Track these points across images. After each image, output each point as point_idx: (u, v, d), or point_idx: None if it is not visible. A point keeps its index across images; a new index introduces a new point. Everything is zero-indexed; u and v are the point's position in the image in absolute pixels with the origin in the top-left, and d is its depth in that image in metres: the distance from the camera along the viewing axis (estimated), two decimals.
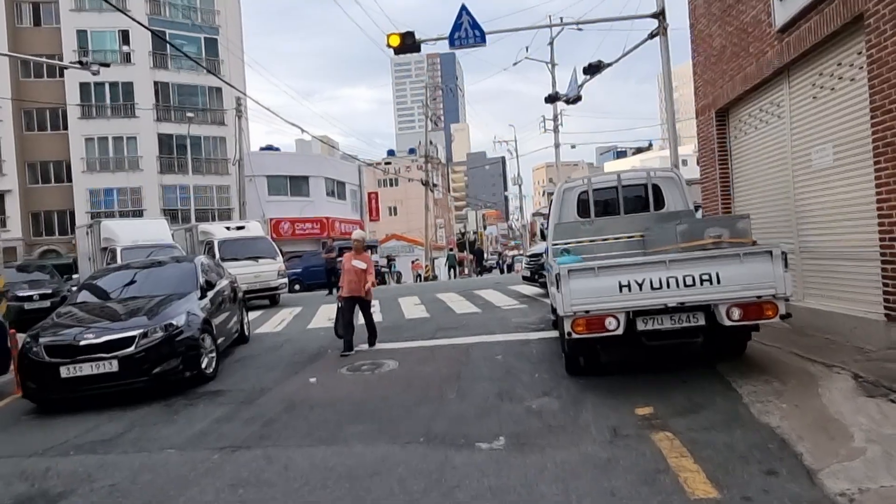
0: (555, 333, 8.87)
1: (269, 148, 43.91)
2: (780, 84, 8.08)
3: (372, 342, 9.61)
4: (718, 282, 5.34)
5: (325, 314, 14.40)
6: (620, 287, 5.44)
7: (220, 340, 8.76)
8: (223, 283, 9.97)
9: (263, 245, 17.63)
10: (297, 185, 39.35)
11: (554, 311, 9.14)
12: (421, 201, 45.79)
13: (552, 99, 25.00)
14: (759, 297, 5.31)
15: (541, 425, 5.24)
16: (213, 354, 8.11)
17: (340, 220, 41.54)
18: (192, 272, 8.91)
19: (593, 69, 20.89)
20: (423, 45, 15.39)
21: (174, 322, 7.48)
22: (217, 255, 16.87)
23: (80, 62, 19.51)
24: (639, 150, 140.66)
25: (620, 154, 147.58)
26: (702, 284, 5.36)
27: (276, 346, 10.33)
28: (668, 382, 5.97)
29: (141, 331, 7.17)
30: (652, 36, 16.97)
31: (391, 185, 75.96)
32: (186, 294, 8.34)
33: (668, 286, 5.39)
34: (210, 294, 8.84)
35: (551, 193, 10.46)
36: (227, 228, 18.05)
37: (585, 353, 6.33)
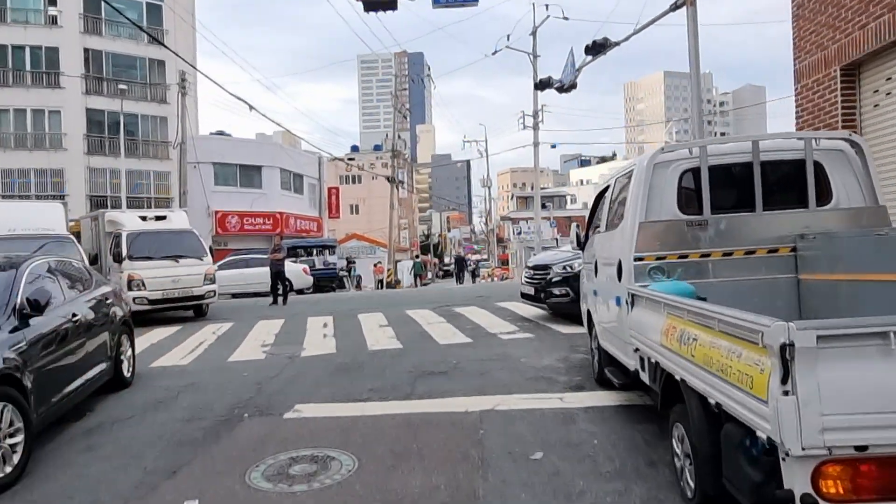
0: (609, 398, 5.58)
1: (221, 134, 39.70)
2: None
3: None
4: None
5: (261, 336, 10.79)
6: None
7: (53, 401, 5.14)
8: (81, 301, 6.29)
9: (188, 241, 13.85)
10: (249, 175, 35.27)
11: (603, 356, 5.80)
12: (385, 200, 42.18)
13: (543, 85, 21.76)
14: None
15: None
16: (19, 439, 4.46)
17: (296, 216, 37.60)
18: (5, 287, 5.21)
19: (598, 48, 17.69)
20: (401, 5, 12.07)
21: None
22: (125, 252, 13.05)
23: None
24: (603, 160, 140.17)
25: (585, 162, 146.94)
26: None
27: (168, 399, 6.69)
28: None
29: None
30: (675, 7, 14.03)
31: (354, 181, 72.19)
32: None
33: None
34: (38, 321, 5.18)
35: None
36: (143, 218, 14.20)
37: None
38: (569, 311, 10.18)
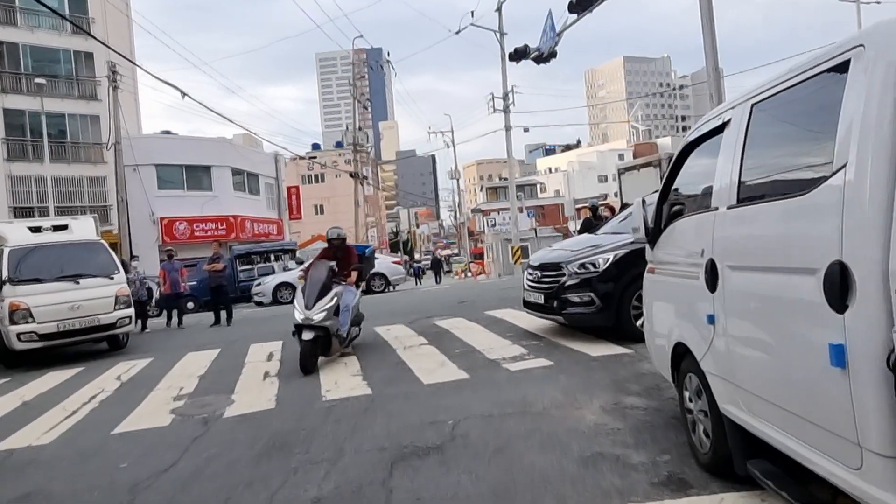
0: None
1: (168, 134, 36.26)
2: None
3: None
4: None
5: (179, 380, 7.97)
6: None
7: None
8: None
9: (94, 255, 10.92)
10: (196, 176, 31.95)
11: (735, 434, 3.17)
12: (350, 199, 39.26)
13: (518, 55, 19.14)
14: None
15: None
16: None
17: (252, 219, 34.41)
18: None
19: (585, 4, 15.17)
20: None
21: None
22: (4, 274, 10.05)
23: None
24: (568, 147, 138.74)
25: (549, 151, 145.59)
26: None
27: None
28: None
29: None
30: None
31: (317, 181, 69.11)
32: None
33: None
34: None
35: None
36: (35, 230, 11.17)
37: None
38: (592, 322, 7.59)
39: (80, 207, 28.14)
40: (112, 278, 10.72)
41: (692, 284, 3.52)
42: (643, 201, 4.31)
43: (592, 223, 11.44)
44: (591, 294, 7.40)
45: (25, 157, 27.36)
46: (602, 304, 7.34)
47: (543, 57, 18.18)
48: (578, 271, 7.57)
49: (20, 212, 26.12)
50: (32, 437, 6.04)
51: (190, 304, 21.30)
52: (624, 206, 12.04)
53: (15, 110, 27.22)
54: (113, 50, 23.15)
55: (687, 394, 3.85)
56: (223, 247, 29.78)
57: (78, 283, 10.30)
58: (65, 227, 11.46)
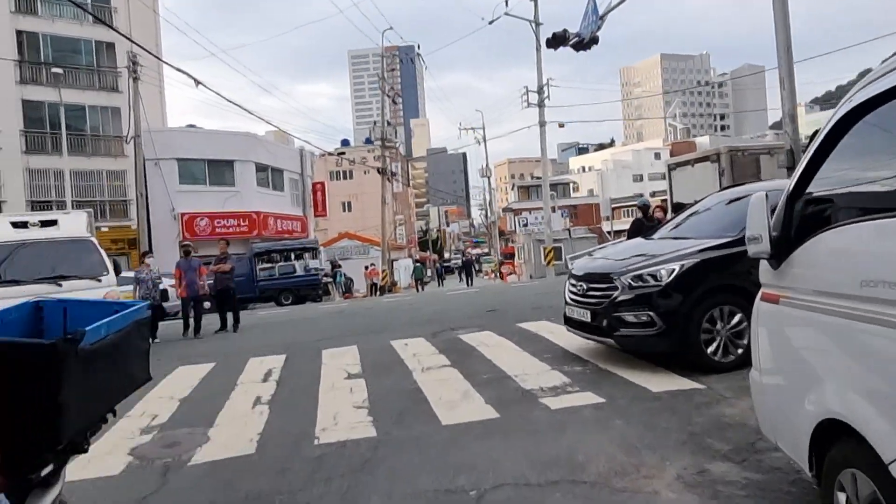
0: None
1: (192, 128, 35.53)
2: None
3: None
4: None
5: (155, 405, 6.75)
6: None
7: None
8: None
9: (81, 255, 9.80)
10: (219, 171, 31.08)
11: None
12: (379, 196, 38.09)
13: (557, 41, 17.64)
14: None
15: None
16: None
17: (276, 216, 33.46)
18: None
19: None
20: None
21: None
22: None
23: None
24: (601, 146, 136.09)
25: (582, 150, 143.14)
26: None
27: None
28: None
29: None
30: None
31: (345, 177, 68.19)
32: None
33: None
34: None
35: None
36: (20, 225, 10.09)
37: None
38: (651, 348, 6.18)
39: (98, 202, 27.52)
40: (100, 280, 9.59)
41: (873, 333, 2.10)
42: (765, 196, 2.88)
43: (644, 225, 9.95)
44: (651, 313, 5.97)
45: (44, 150, 26.77)
46: (664, 326, 5.91)
47: (584, 43, 16.68)
48: (634, 284, 6.14)
49: (38, 205, 25.50)
50: None
51: (206, 304, 20.32)
52: (681, 206, 10.54)
53: (34, 102, 26.64)
54: (130, 40, 22.28)
55: (842, 498, 2.44)
56: (245, 244, 28.91)
57: (60, 285, 9.18)
58: (53, 223, 10.37)
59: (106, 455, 5.23)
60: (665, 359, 6.31)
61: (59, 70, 24.75)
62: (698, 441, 4.34)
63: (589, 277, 6.76)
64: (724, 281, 6.03)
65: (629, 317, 6.11)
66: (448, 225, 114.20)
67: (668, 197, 13.30)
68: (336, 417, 5.70)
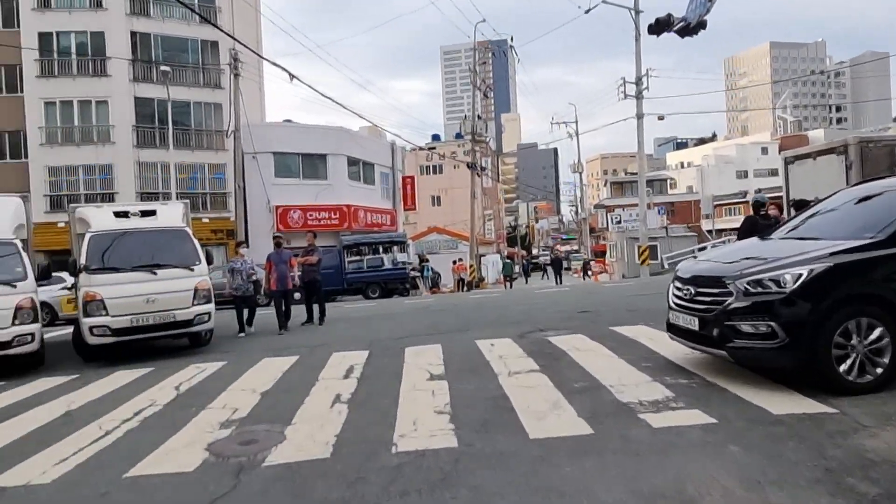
0: None
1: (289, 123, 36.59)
2: None
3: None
4: None
5: (236, 398, 6.68)
6: None
7: None
8: None
9: (176, 244, 10.03)
10: (312, 164, 31.78)
11: None
12: (468, 191, 37.84)
13: (660, 27, 16.59)
14: None
15: None
16: None
17: (366, 209, 33.88)
18: None
19: None
20: None
21: None
22: (83, 261, 9.33)
23: None
24: (702, 141, 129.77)
25: (681, 145, 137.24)
26: None
27: None
28: None
29: None
30: None
31: (435, 172, 68.53)
32: None
33: None
34: None
35: None
36: (121, 215, 10.45)
37: None
38: (772, 363, 5.45)
39: (200, 194, 28.77)
40: (192, 269, 9.77)
41: None
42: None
43: (758, 224, 9.01)
44: (772, 323, 5.23)
45: (153, 144, 28.26)
46: (788, 339, 5.16)
47: (690, 27, 15.59)
48: (752, 290, 5.41)
49: (146, 197, 26.97)
50: (38, 470, 4.88)
51: (297, 295, 20.66)
52: (803, 204, 9.49)
53: (145, 98, 28.16)
54: (233, 38, 23.05)
55: None
56: (336, 236, 29.41)
57: (155, 273, 9.42)
58: (153, 213, 10.69)
59: (184, 448, 5.15)
60: (784, 375, 5.56)
61: (167, 68, 25.99)
62: (837, 480, 3.65)
63: (697, 281, 6.06)
64: (861, 289, 5.21)
65: (745, 327, 5.39)
66: (537, 221, 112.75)
67: (783, 193, 12.12)
68: (416, 423, 5.35)
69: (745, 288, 5.46)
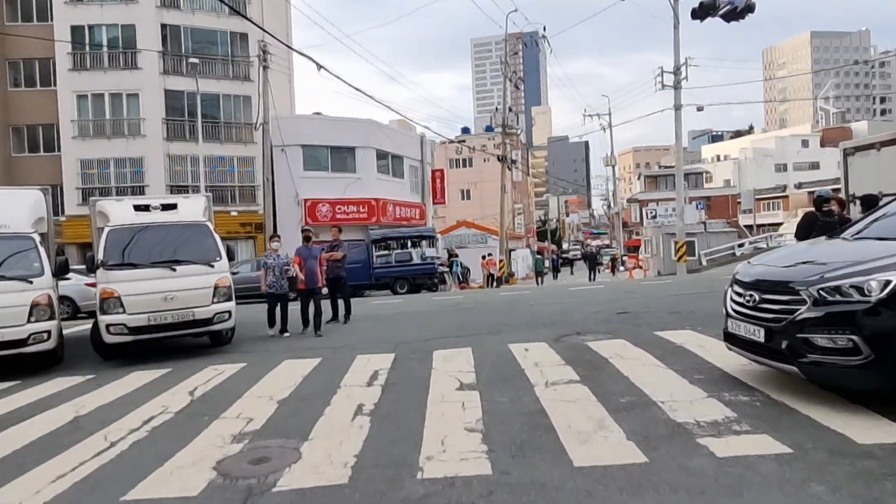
0: None
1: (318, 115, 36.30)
2: None
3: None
4: None
5: (253, 405, 6.23)
6: None
7: None
8: None
9: (196, 239, 9.64)
10: (341, 157, 31.44)
11: None
12: (498, 184, 37.16)
13: (704, 10, 15.70)
14: None
15: None
16: None
17: (395, 203, 33.46)
18: None
19: None
20: None
21: None
22: (100, 256, 9.00)
23: None
24: (738, 133, 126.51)
25: (716, 138, 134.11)
26: None
27: None
28: None
29: None
30: None
31: (465, 165, 67.84)
32: None
33: None
34: None
35: None
36: (142, 208, 10.09)
37: None
38: (853, 382, 4.79)
39: (229, 187, 28.64)
40: (212, 266, 9.37)
41: None
42: None
43: (818, 221, 8.24)
44: (854, 337, 4.55)
45: (182, 137, 28.19)
46: (874, 355, 4.48)
47: (738, 11, 14.71)
48: (830, 298, 4.73)
49: (175, 190, 26.93)
50: (31, 489, 4.46)
51: (324, 290, 20.26)
52: (870, 200, 8.69)
53: (175, 91, 28.10)
54: (263, 29, 22.71)
55: None
56: (364, 230, 29.02)
57: (174, 269, 9.04)
58: (173, 207, 10.32)
59: (190, 466, 4.68)
60: (863, 395, 4.88)
61: (196, 60, 25.83)
62: None
63: (762, 286, 5.39)
64: None
65: (821, 340, 4.72)
66: (567, 215, 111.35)
67: (841, 186, 11.26)
68: (444, 442, 4.81)
69: (822, 295, 4.79)
